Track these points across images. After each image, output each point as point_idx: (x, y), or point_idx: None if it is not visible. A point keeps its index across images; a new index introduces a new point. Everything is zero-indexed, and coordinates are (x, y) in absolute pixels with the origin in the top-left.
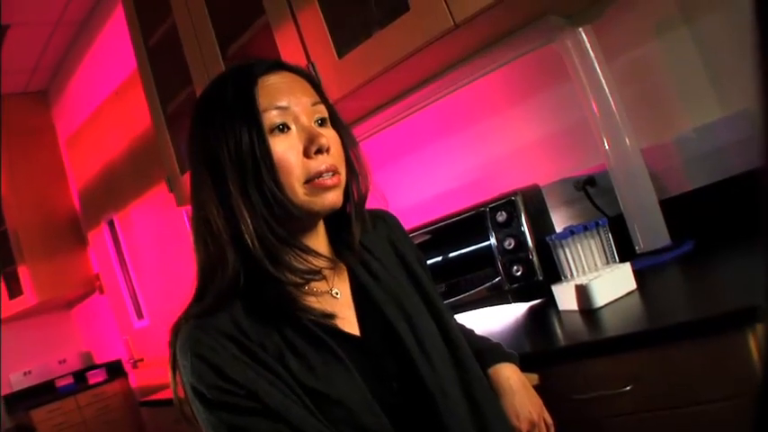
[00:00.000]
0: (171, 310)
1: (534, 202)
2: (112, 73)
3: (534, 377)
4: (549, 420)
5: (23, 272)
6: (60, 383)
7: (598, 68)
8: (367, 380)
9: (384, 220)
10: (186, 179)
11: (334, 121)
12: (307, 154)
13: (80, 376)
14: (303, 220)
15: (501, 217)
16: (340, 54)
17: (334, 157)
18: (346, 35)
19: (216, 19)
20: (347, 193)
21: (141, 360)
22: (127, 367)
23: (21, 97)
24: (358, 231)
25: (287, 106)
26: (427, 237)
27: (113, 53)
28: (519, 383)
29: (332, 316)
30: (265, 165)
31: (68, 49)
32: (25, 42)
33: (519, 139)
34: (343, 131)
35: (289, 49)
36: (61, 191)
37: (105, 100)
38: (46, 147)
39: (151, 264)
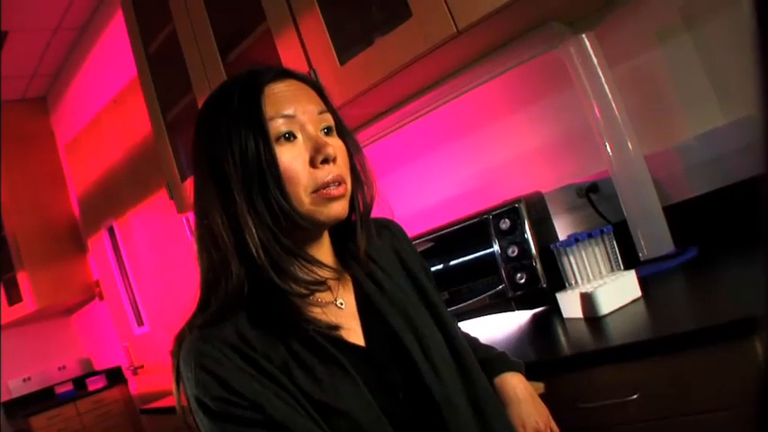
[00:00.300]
0: (171, 317)
1: (537, 208)
2: (112, 79)
3: (540, 386)
4: (556, 429)
5: (23, 278)
6: (60, 390)
7: (601, 75)
8: (373, 391)
9: (389, 229)
10: (186, 186)
11: (340, 129)
12: (313, 163)
13: (80, 383)
14: (308, 230)
15: (504, 224)
16: (342, 61)
17: (340, 166)
18: (348, 42)
19: (216, 25)
20: (352, 203)
21: (141, 367)
22: (127, 374)
23: (20, 103)
24: (363, 241)
25: (293, 114)
26: (430, 244)
27: (113, 59)
28: (525, 392)
29: (337, 327)
30: (271, 174)
31: (67, 55)
32: (24, 48)
33: (521, 146)
34: (349, 140)
35: (290, 56)
36: (61, 197)
37: (105, 106)
38: (45, 153)
39: (151, 270)
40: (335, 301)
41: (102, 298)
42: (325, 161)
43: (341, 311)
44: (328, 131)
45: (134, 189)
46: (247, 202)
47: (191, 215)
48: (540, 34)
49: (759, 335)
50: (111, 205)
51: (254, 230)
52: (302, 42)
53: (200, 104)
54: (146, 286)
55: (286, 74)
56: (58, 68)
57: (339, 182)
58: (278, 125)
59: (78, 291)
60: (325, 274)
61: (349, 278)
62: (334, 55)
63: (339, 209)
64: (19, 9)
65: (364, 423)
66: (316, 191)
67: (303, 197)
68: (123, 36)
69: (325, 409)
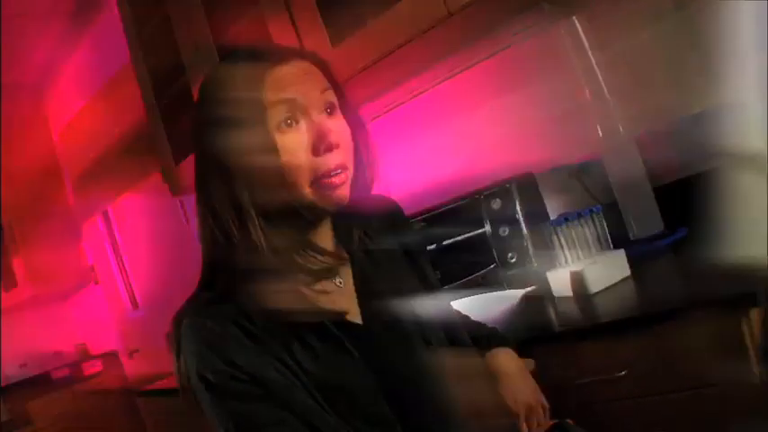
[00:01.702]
0: (166, 301)
1: (529, 189)
2: (105, 63)
3: (530, 362)
4: (546, 404)
5: (18, 264)
6: (56, 375)
7: (592, 56)
8: (370, 368)
9: (387, 207)
10: (180, 169)
11: (344, 107)
12: (315, 152)
13: (76, 367)
14: (311, 216)
15: (496, 204)
16: (333, 43)
17: (342, 153)
18: (340, 24)
19: (209, 8)
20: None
21: (137, 350)
22: (122, 358)
23: (13, 89)
24: (360, 219)
25: (295, 99)
26: (422, 224)
27: (106, 43)
28: (516, 368)
29: (342, 314)
30: (271, 164)
31: (61, 40)
32: (18, 34)
33: (513, 127)
34: (353, 118)
35: (282, 38)
36: (55, 182)
37: (98, 91)
38: (39, 138)
39: (146, 254)
40: (335, 279)
41: (97, 282)
42: (328, 149)
43: (340, 290)
44: (331, 110)
45: (128, 173)
46: (250, 194)
47: (185, 198)
48: (531, 16)
49: (754, 310)
50: (106, 190)
51: (258, 225)
52: (294, 24)
53: (193, 88)
54: (141, 270)
55: (290, 55)
56: (52, 53)
57: (341, 169)
58: (280, 111)
59: (73, 275)
60: (331, 260)
61: (347, 255)
62: (327, 37)
63: (341, 196)
64: None
65: (362, 399)
66: (316, 180)
67: (305, 186)
68: (116, 20)
69: (324, 384)
